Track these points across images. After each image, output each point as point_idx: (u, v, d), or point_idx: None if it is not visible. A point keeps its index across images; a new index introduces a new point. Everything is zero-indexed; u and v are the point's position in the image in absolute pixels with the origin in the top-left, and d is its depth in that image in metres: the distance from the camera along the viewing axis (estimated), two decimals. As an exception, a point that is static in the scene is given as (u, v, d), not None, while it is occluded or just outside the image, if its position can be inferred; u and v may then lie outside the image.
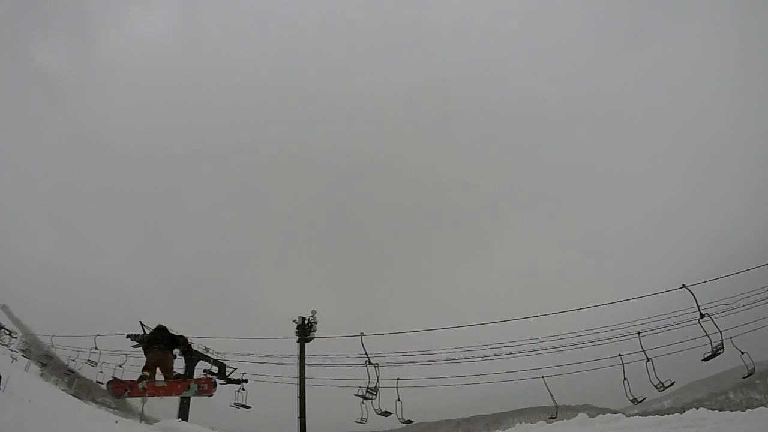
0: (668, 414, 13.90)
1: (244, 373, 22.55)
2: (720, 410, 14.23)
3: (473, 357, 16.94)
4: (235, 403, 21.71)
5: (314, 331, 22.22)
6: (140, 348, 21.88)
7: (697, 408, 13.20)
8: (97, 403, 34.20)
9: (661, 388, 14.27)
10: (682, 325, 14.11)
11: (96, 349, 22.80)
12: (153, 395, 6.71)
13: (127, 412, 37.71)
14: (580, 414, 13.93)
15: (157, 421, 23.39)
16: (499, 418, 62.99)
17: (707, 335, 13.20)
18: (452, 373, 17.10)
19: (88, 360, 23.06)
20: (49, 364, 30.65)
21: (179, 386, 6.81)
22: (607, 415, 13.88)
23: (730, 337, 13.58)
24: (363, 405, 17.25)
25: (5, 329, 33.00)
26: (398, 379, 16.68)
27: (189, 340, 22.99)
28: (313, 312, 22.68)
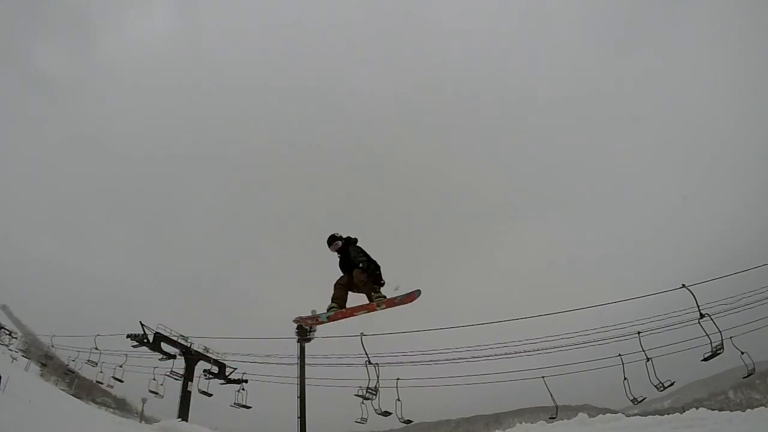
0: (668, 414, 13.93)
1: (244, 373, 22.58)
2: (720, 410, 14.27)
3: (473, 357, 16.98)
4: (235, 403, 21.73)
5: (314, 331, 22.22)
6: (140, 348, 22.19)
7: (697, 408, 13.22)
8: (97, 403, 34.20)
9: (661, 388, 14.28)
10: (682, 325, 14.13)
11: (96, 349, 22.80)
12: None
13: (127, 412, 37.74)
14: (580, 414, 13.96)
15: (157, 421, 23.42)
16: (499, 418, 62.91)
17: (707, 335, 13.20)
18: (452, 373, 17.14)
19: (88, 360, 23.05)
20: (49, 364, 30.59)
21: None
22: (607, 415, 13.92)
23: (730, 337, 13.60)
24: (363, 405, 17.28)
25: (5, 329, 32.92)
26: (398, 379, 16.74)
27: (189, 340, 23.22)
28: (313, 312, 22.62)
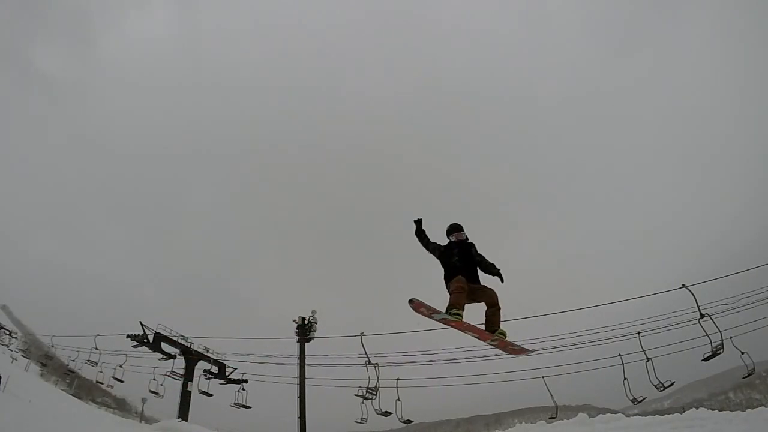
0: (668, 414, 13.90)
1: (244, 373, 22.58)
2: (720, 410, 14.23)
3: (473, 357, 16.94)
4: (235, 403, 21.72)
5: (314, 331, 22.25)
6: (140, 348, 22.22)
7: (697, 408, 13.20)
8: (97, 403, 34.17)
9: (661, 388, 14.27)
10: (682, 325, 14.11)
11: (96, 349, 22.80)
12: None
13: (127, 412, 37.74)
14: (580, 414, 13.94)
15: (157, 421, 23.42)
16: (499, 418, 62.87)
17: (707, 335, 13.19)
18: (452, 373, 17.10)
19: (88, 360, 23.04)
20: (49, 364, 30.57)
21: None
22: (607, 415, 13.89)
23: (730, 337, 13.58)
24: (363, 405, 17.27)
25: (5, 329, 32.89)
26: (398, 379, 16.70)
27: (189, 340, 23.20)
28: (313, 312, 22.71)
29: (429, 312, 5.42)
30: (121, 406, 39.70)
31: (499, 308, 5.37)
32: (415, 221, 5.74)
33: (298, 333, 22.10)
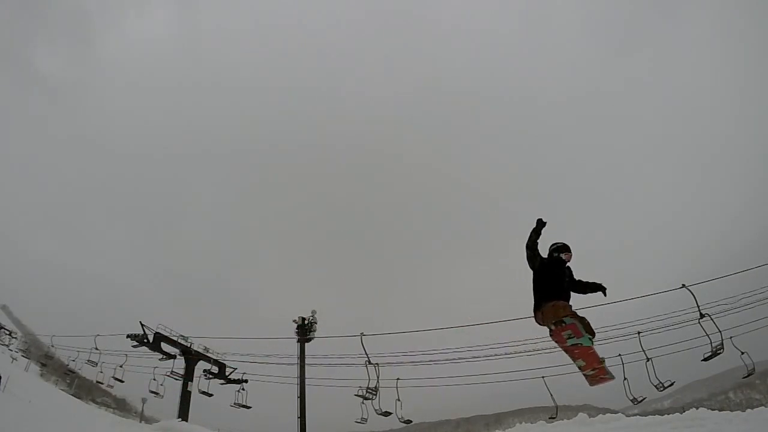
0: (668, 414, 13.93)
1: (244, 373, 22.59)
2: (720, 410, 14.25)
3: (473, 357, 16.95)
4: (235, 403, 21.73)
5: (314, 331, 22.31)
6: (140, 348, 22.26)
7: (697, 408, 13.22)
8: (97, 403, 34.19)
9: (661, 388, 14.25)
10: (682, 325, 14.09)
11: (96, 349, 22.77)
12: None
13: (127, 412, 37.76)
14: (580, 414, 13.97)
15: (157, 421, 23.44)
16: (499, 418, 62.89)
17: (707, 335, 13.16)
18: (452, 373, 17.09)
19: (88, 360, 23.03)
20: (49, 364, 30.56)
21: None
22: (607, 415, 13.92)
23: (730, 337, 13.55)
24: (363, 405, 17.25)
25: (5, 329, 32.87)
26: (398, 379, 16.66)
27: (189, 340, 23.23)
28: (313, 312, 22.76)
29: (573, 334, 5.12)
30: (121, 406, 39.72)
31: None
32: (541, 221, 5.25)
33: (298, 333, 22.14)
